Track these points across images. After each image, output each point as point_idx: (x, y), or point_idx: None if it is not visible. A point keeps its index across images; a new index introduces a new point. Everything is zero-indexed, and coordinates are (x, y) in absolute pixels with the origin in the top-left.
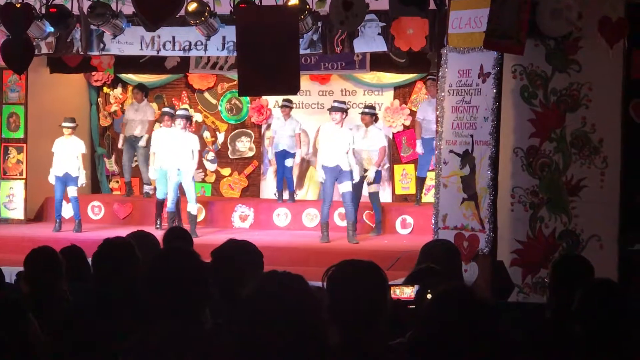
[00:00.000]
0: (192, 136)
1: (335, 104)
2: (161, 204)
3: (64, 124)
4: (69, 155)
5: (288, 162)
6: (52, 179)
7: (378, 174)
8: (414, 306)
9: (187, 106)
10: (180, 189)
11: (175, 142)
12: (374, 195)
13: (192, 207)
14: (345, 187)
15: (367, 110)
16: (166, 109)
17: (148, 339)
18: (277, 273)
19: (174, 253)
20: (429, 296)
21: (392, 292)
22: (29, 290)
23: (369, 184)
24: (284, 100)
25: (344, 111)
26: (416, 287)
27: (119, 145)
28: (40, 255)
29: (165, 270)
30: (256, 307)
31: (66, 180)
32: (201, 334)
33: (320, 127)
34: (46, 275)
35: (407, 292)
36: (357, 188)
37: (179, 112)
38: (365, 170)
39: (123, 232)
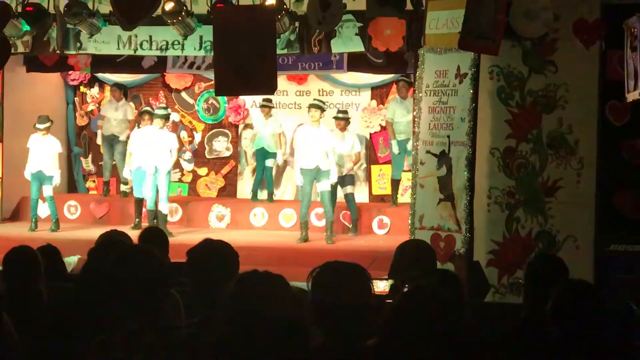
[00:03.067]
0: (171, 135)
1: (315, 102)
2: (140, 202)
3: (37, 125)
4: (44, 153)
5: (269, 162)
6: (27, 175)
7: (350, 177)
8: (390, 300)
9: (164, 105)
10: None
11: (154, 141)
12: (349, 196)
13: (164, 206)
14: (324, 186)
15: (340, 115)
16: (146, 108)
17: (112, 340)
18: (257, 272)
19: (132, 253)
20: (405, 290)
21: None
22: (5, 290)
23: (342, 185)
24: (264, 100)
25: (323, 110)
26: (390, 280)
27: (98, 142)
28: (19, 254)
29: (123, 270)
30: (236, 306)
31: (41, 179)
32: (165, 334)
33: (297, 129)
34: (24, 275)
35: (382, 286)
36: (333, 189)
37: (157, 112)
38: (342, 173)
39: (99, 231)
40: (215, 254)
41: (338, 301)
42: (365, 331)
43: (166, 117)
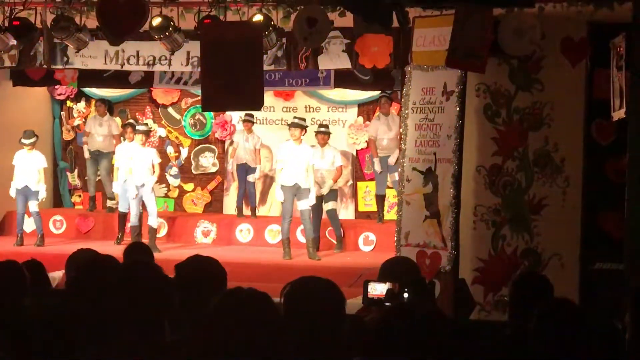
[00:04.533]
0: (151, 150)
1: (295, 120)
2: (123, 217)
3: (23, 140)
4: (29, 169)
5: (250, 177)
6: (12, 192)
7: (333, 192)
8: (389, 303)
9: (148, 121)
10: (142, 204)
11: (136, 157)
12: (331, 212)
13: (153, 220)
14: (303, 204)
15: (322, 129)
16: (130, 121)
17: (106, 353)
18: (241, 290)
19: (138, 266)
20: (405, 295)
21: (369, 288)
22: None
23: (325, 201)
24: (246, 114)
25: (303, 128)
26: (388, 284)
27: (86, 156)
28: (4, 269)
29: (129, 283)
30: (217, 323)
31: (27, 194)
32: (160, 348)
33: (280, 146)
34: (10, 290)
35: (379, 289)
36: (317, 206)
37: (138, 128)
38: (321, 194)
39: (84, 246)
40: (203, 270)
41: (309, 316)
42: (343, 347)
43: (146, 133)
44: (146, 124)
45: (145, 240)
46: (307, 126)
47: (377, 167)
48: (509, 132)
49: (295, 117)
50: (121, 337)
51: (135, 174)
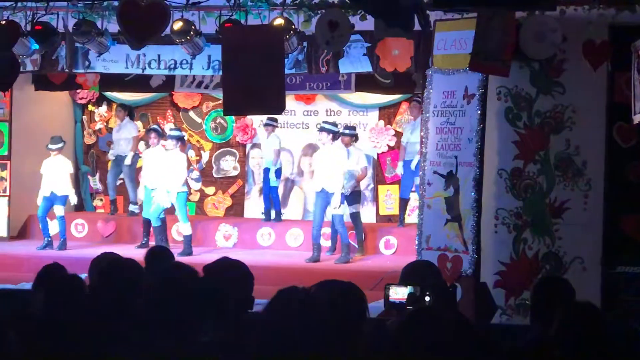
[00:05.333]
0: (182, 155)
1: (324, 125)
2: (148, 223)
3: (50, 146)
4: (56, 174)
5: (272, 182)
6: (39, 201)
7: (357, 195)
8: (410, 307)
9: (169, 125)
10: (171, 208)
11: (163, 162)
12: (354, 215)
13: (183, 226)
14: (335, 210)
15: (346, 131)
16: (154, 126)
17: (140, 356)
18: (295, 290)
19: (180, 271)
20: (427, 298)
21: (390, 292)
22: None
23: (349, 204)
24: (268, 118)
25: (331, 132)
26: (410, 288)
27: (110, 157)
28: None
29: (172, 287)
30: (269, 324)
31: (52, 199)
32: (193, 350)
33: (314, 155)
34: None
35: (401, 293)
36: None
37: (171, 133)
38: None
39: (106, 250)
40: (232, 273)
41: (332, 319)
42: (366, 350)
43: (179, 139)
44: (178, 129)
45: (172, 244)
46: (337, 131)
47: (400, 170)
48: (530, 136)
49: (324, 122)
50: (155, 340)
51: (161, 178)
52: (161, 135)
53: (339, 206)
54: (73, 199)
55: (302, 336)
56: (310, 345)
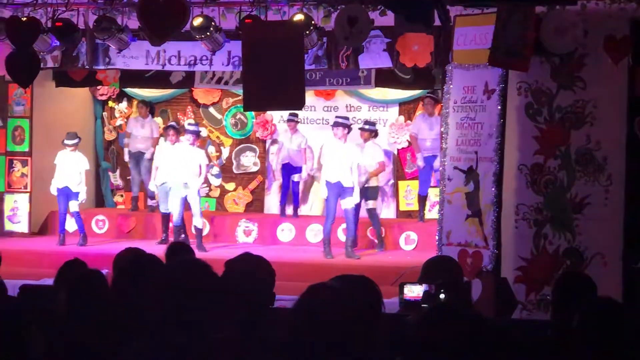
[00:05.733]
0: (200, 151)
1: (338, 120)
2: (166, 218)
3: (65, 141)
4: (71, 170)
5: (295, 177)
6: (53, 190)
7: (374, 190)
8: (425, 305)
9: (192, 120)
10: (186, 204)
11: (182, 157)
12: (371, 212)
13: (198, 220)
14: (347, 203)
15: (366, 126)
16: (172, 123)
17: (156, 352)
18: (322, 287)
19: (186, 265)
20: (441, 296)
21: (405, 290)
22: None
23: (366, 199)
24: (290, 114)
25: (346, 126)
26: (425, 286)
27: (125, 159)
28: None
29: (177, 282)
30: (298, 321)
31: (68, 194)
32: (209, 347)
33: (324, 143)
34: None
35: (416, 291)
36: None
37: (188, 127)
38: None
39: (126, 245)
40: (254, 268)
41: (350, 313)
42: (384, 346)
43: (196, 134)
44: (196, 124)
45: (192, 240)
46: (350, 125)
47: (421, 162)
48: (550, 131)
49: (337, 117)
50: (170, 336)
51: (179, 173)
52: (179, 132)
53: (359, 200)
54: (82, 197)
55: (331, 333)
56: (334, 342)
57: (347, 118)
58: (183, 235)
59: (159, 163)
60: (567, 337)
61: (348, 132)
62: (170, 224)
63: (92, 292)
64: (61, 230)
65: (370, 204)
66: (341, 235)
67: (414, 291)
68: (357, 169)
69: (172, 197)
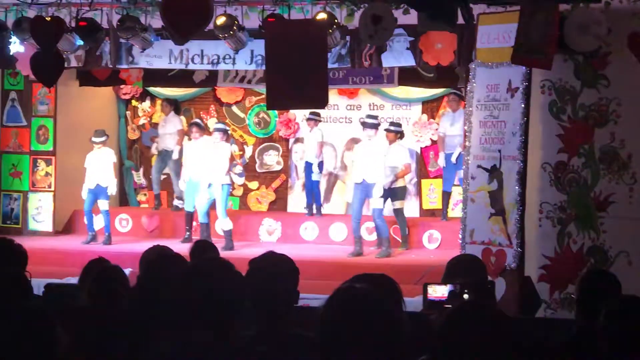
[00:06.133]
0: (226, 146)
1: (367, 120)
2: (190, 216)
3: (93, 139)
4: (99, 166)
5: (313, 176)
6: (84, 194)
7: (401, 191)
8: (449, 305)
9: (212, 120)
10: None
11: (208, 154)
12: (398, 211)
13: (222, 222)
14: (374, 203)
15: (392, 127)
16: (196, 120)
17: (180, 351)
18: (353, 289)
19: (215, 264)
20: (465, 296)
21: (429, 290)
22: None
23: (392, 199)
24: (311, 112)
25: (376, 127)
26: (449, 286)
27: (153, 151)
28: (107, 268)
29: (203, 280)
30: (328, 321)
31: (97, 192)
32: (233, 345)
33: (355, 147)
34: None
35: (440, 291)
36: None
37: (216, 126)
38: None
39: (150, 244)
40: (278, 267)
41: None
42: (408, 345)
43: (224, 132)
44: (224, 123)
45: (215, 239)
46: (379, 123)
47: (442, 162)
48: (574, 129)
49: (368, 116)
50: (194, 334)
51: (205, 171)
52: (203, 129)
53: (380, 197)
54: (112, 190)
55: (360, 334)
56: (363, 342)
57: (375, 117)
58: (207, 234)
59: (186, 162)
60: (591, 336)
61: (376, 132)
62: (195, 223)
63: (114, 290)
64: (90, 229)
65: (397, 204)
66: (364, 234)
67: (437, 291)
68: (384, 168)
69: (198, 195)
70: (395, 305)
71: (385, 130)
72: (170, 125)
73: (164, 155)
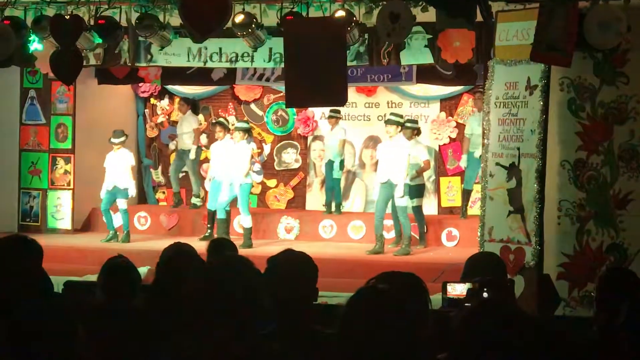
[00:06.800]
0: (247, 146)
1: (392, 117)
2: (212, 214)
3: (112, 140)
4: (117, 168)
5: (334, 173)
6: (103, 194)
7: (419, 188)
8: (468, 304)
9: (231, 118)
10: (234, 200)
11: (230, 154)
12: (416, 209)
13: (245, 219)
14: (399, 201)
15: (408, 124)
16: (220, 119)
17: (199, 348)
18: (374, 289)
19: (234, 261)
20: (484, 294)
21: (449, 289)
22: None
23: (411, 197)
24: (331, 110)
25: (400, 124)
26: (468, 284)
27: (171, 148)
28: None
29: (222, 277)
30: (349, 321)
31: (115, 192)
32: (253, 344)
33: (378, 146)
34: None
35: (459, 290)
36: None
37: (238, 125)
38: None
39: (169, 242)
40: (297, 265)
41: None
42: (430, 343)
43: (246, 131)
44: (246, 122)
45: (234, 237)
46: (403, 122)
47: (464, 163)
48: (593, 127)
49: (392, 114)
50: (214, 332)
51: (227, 170)
52: (227, 128)
53: (402, 196)
54: (132, 191)
55: (383, 335)
56: (386, 342)
57: (400, 115)
58: (226, 232)
59: (212, 162)
60: (611, 334)
61: (401, 130)
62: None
63: (131, 287)
64: (110, 227)
65: (416, 201)
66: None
67: (456, 289)
68: (407, 166)
69: (219, 194)
70: (422, 305)
71: (403, 127)
72: (187, 124)
73: (182, 154)
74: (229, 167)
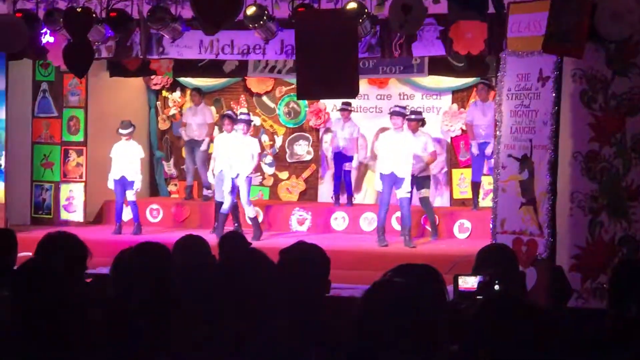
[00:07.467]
0: (252, 140)
1: (396, 109)
2: (220, 206)
3: (120, 130)
4: (126, 159)
5: (346, 166)
6: (110, 184)
7: (426, 179)
8: (480, 297)
9: (245, 109)
10: (237, 193)
11: (235, 147)
12: (424, 200)
13: (248, 210)
14: (402, 192)
15: (412, 116)
16: (227, 112)
17: (214, 341)
18: (391, 282)
19: (248, 254)
20: (496, 287)
21: (460, 281)
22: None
23: (417, 189)
24: (343, 103)
25: (404, 116)
26: (479, 277)
27: (184, 138)
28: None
29: (236, 270)
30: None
31: (124, 184)
32: (267, 336)
33: (380, 135)
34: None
35: (471, 282)
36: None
37: (240, 117)
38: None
39: (180, 234)
40: (309, 257)
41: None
42: (443, 336)
43: (248, 123)
44: (248, 113)
45: (245, 229)
46: (407, 114)
47: (475, 150)
48: (605, 118)
49: (396, 106)
50: (227, 324)
51: (233, 164)
52: (235, 120)
53: (409, 191)
54: (137, 185)
55: (398, 329)
56: (402, 337)
57: (404, 107)
58: (236, 224)
59: (217, 154)
60: (624, 326)
61: (404, 122)
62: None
63: (143, 279)
64: (117, 219)
65: (424, 192)
66: (395, 224)
67: (468, 282)
68: (412, 158)
69: (225, 186)
70: (438, 296)
71: (407, 119)
72: (201, 116)
73: (192, 145)
74: (234, 160)
